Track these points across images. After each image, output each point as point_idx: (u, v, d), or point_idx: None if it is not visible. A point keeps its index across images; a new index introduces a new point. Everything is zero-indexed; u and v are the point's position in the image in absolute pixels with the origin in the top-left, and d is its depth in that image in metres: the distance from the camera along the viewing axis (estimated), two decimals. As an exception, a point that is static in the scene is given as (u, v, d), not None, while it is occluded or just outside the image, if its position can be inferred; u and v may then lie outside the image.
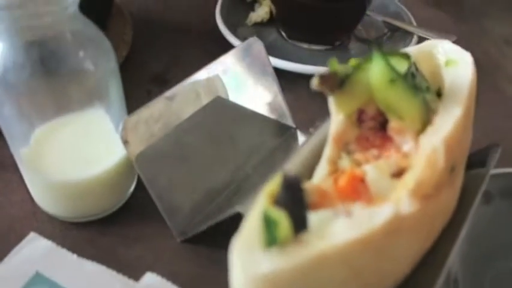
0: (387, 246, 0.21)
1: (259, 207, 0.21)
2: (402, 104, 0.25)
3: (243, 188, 0.37)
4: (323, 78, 0.25)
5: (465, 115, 0.25)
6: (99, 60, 0.28)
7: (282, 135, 0.42)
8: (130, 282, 0.29)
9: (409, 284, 0.24)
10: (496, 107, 0.49)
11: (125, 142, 0.30)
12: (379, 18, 0.53)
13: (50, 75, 0.27)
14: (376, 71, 0.25)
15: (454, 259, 0.25)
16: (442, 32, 0.50)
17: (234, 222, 0.28)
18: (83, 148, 0.31)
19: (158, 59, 0.52)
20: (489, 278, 0.32)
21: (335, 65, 0.25)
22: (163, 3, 0.60)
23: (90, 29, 0.28)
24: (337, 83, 0.26)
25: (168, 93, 0.33)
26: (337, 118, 0.27)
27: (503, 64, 0.59)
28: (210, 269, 0.32)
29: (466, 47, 0.65)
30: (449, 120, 0.24)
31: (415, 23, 0.53)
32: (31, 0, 0.24)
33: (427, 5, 0.66)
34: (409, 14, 0.55)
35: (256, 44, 0.39)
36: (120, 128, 0.29)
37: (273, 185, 0.22)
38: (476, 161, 0.31)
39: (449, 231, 0.26)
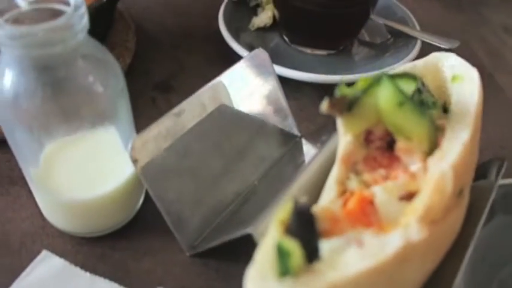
0: (397, 273, 0.22)
1: (271, 236, 0.21)
2: (410, 126, 0.26)
3: (250, 199, 0.38)
4: (332, 102, 0.25)
5: (472, 137, 0.25)
6: (108, 81, 0.28)
7: (287, 144, 0.42)
8: (142, 298, 0.30)
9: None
10: (498, 108, 0.49)
11: (134, 161, 0.30)
12: (382, 21, 0.53)
13: (60, 98, 0.27)
14: (384, 95, 0.25)
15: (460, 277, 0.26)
16: (446, 36, 0.50)
17: (243, 237, 0.29)
18: (93, 167, 0.32)
19: (162, 65, 0.52)
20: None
21: (344, 89, 0.26)
22: (165, 9, 0.60)
23: (99, 51, 0.28)
24: (346, 106, 0.26)
25: (176, 109, 0.33)
26: (345, 139, 0.27)
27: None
28: (219, 283, 0.33)
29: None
30: (457, 144, 0.24)
31: (418, 27, 0.53)
32: (41, 28, 0.24)
33: (431, 5, 0.65)
34: (413, 17, 0.55)
35: (262, 55, 0.39)
36: (129, 147, 0.30)
37: (284, 212, 0.22)
38: (480, 173, 0.32)
39: (456, 249, 0.27)
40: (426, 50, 0.50)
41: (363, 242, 0.21)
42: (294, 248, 0.20)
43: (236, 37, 0.51)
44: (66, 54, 0.25)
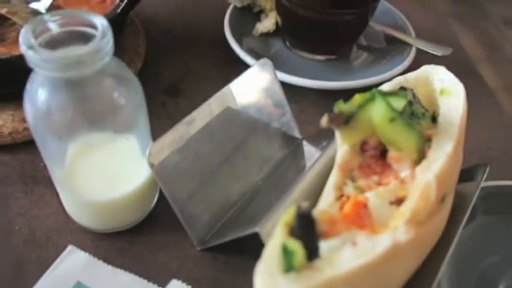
0: (386, 270, 0.25)
1: (277, 237, 0.25)
2: (401, 139, 0.29)
3: (254, 198, 0.41)
4: (331, 117, 0.28)
5: (455, 148, 0.29)
6: (129, 96, 0.31)
7: (289, 146, 0.46)
8: (159, 289, 0.33)
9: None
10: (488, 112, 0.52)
11: (151, 165, 0.33)
12: (380, 28, 0.56)
13: (87, 111, 0.30)
14: (377, 111, 0.29)
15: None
16: (440, 44, 0.53)
17: (249, 234, 0.32)
18: (113, 170, 0.35)
19: (170, 69, 0.55)
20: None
21: (341, 106, 0.29)
22: (173, 15, 0.63)
23: (122, 69, 0.31)
24: (343, 120, 0.29)
25: (187, 118, 0.36)
26: (342, 148, 0.31)
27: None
28: (228, 275, 0.36)
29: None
30: (441, 156, 0.28)
31: (413, 34, 0.56)
32: (73, 53, 0.27)
33: (426, 13, 0.68)
34: (409, 24, 0.58)
35: (267, 65, 0.42)
36: (147, 153, 0.33)
37: (288, 215, 0.25)
38: (466, 176, 0.35)
39: (439, 247, 0.30)
40: (421, 55, 0.53)
41: (357, 242, 0.24)
42: (297, 248, 0.23)
43: (240, 42, 0.54)
44: (94, 74, 0.28)
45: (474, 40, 0.64)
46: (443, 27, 0.66)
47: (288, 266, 0.23)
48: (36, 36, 0.28)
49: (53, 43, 0.29)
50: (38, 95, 0.29)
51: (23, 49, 0.27)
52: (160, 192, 0.39)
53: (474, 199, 0.32)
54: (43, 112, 0.29)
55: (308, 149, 0.47)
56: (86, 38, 0.29)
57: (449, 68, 0.34)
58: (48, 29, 0.29)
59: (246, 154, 0.42)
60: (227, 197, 0.40)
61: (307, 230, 0.24)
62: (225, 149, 0.40)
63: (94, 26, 0.29)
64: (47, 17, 0.29)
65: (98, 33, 0.28)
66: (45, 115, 0.29)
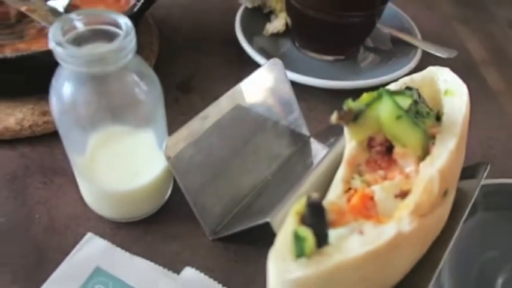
0: (390, 257, 0.27)
1: (289, 225, 0.26)
2: (406, 136, 0.31)
3: (264, 192, 0.43)
4: (340, 114, 0.30)
5: (458, 146, 0.30)
6: (148, 91, 0.33)
7: (297, 143, 0.47)
8: (174, 275, 0.35)
9: (406, 285, 0.29)
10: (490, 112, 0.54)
11: (168, 158, 0.35)
12: (386, 30, 0.58)
13: (110, 104, 0.32)
14: (385, 109, 0.30)
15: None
16: (445, 46, 0.55)
17: (258, 225, 0.34)
18: (131, 162, 0.37)
19: (183, 66, 0.56)
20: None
21: (350, 104, 0.30)
22: (184, 14, 0.64)
23: (142, 66, 0.33)
24: (352, 117, 0.31)
25: (201, 114, 0.38)
26: (350, 144, 0.32)
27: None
28: (238, 264, 0.38)
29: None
30: (444, 152, 0.29)
31: (419, 36, 0.58)
32: (98, 51, 0.29)
33: (432, 16, 0.70)
34: (415, 26, 0.59)
35: (277, 64, 0.44)
36: (164, 146, 0.35)
37: (299, 205, 0.27)
38: (468, 174, 0.37)
39: (441, 240, 0.32)
40: (427, 57, 0.54)
41: (364, 231, 0.26)
42: (308, 235, 0.25)
43: (251, 42, 0.56)
44: (117, 70, 0.30)
45: (479, 43, 0.65)
46: (449, 29, 0.68)
47: (299, 251, 0.25)
48: (64, 34, 0.30)
49: (79, 40, 0.30)
50: (64, 88, 0.31)
51: (52, 45, 0.29)
52: (174, 185, 0.41)
53: (475, 195, 0.34)
54: (69, 105, 0.31)
55: (315, 146, 0.48)
56: (109, 36, 0.30)
57: (454, 70, 0.36)
58: (75, 27, 0.30)
59: (255, 150, 0.44)
60: (238, 190, 0.42)
61: (317, 219, 0.26)
62: (236, 145, 0.42)
63: (118, 25, 0.30)
64: (73, 16, 0.30)
65: (121, 32, 0.30)
66: (70, 108, 0.31)
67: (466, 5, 0.73)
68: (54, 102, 0.31)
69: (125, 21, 0.30)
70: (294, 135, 0.47)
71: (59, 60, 0.29)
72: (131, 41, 0.30)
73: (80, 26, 0.30)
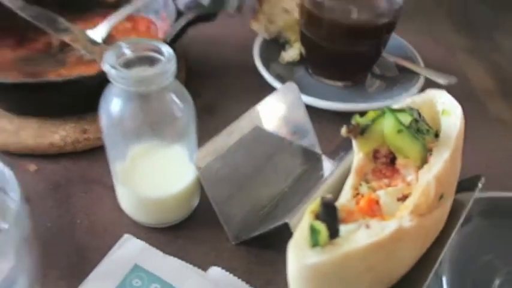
0: (393, 249, 0.31)
1: (305, 220, 0.31)
2: (407, 148, 0.35)
3: (280, 203, 0.47)
4: (349, 128, 0.35)
5: (452, 157, 0.35)
6: (184, 109, 0.38)
7: (310, 160, 0.52)
8: (202, 272, 0.39)
9: (407, 278, 0.34)
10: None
11: (198, 169, 0.40)
12: (392, 59, 0.63)
13: (152, 120, 0.37)
14: (387, 124, 0.35)
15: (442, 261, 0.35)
16: (446, 73, 0.60)
17: (277, 231, 0.38)
18: (165, 172, 0.42)
19: (207, 90, 0.62)
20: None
21: (358, 119, 0.35)
22: (207, 43, 0.70)
23: (179, 87, 0.38)
24: (359, 131, 0.36)
25: (226, 131, 0.43)
26: (358, 155, 0.37)
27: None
28: (259, 265, 0.42)
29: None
30: (439, 161, 0.34)
31: (422, 64, 0.63)
32: (145, 73, 0.34)
33: (436, 46, 0.75)
34: (418, 55, 0.65)
35: (292, 87, 0.49)
36: (194, 158, 0.40)
37: (315, 205, 0.32)
38: (465, 186, 0.41)
39: (439, 241, 0.36)
40: (429, 84, 0.59)
41: (370, 225, 0.30)
42: (322, 228, 0.30)
43: (268, 69, 0.61)
44: (159, 90, 0.35)
45: (484, 72, 0.70)
46: (452, 58, 0.73)
47: (315, 242, 0.29)
48: (116, 59, 0.35)
49: (128, 64, 0.36)
50: (113, 105, 0.36)
51: (106, 68, 0.34)
52: (201, 195, 0.46)
53: (470, 204, 0.38)
54: (116, 119, 0.36)
55: (327, 162, 0.53)
56: (152, 61, 0.36)
57: (455, 96, 0.40)
58: (124, 53, 0.36)
59: (274, 166, 0.48)
60: (258, 200, 0.46)
61: (330, 215, 0.31)
62: (257, 161, 0.47)
63: (160, 52, 0.36)
64: (123, 44, 0.36)
65: (164, 58, 0.35)
66: (117, 121, 0.36)
67: (471, 34, 0.77)
68: (104, 117, 0.37)
69: (167, 49, 0.35)
70: (307, 153, 0.52)
71: (112, 80, 0.35)
72: (172, 66, 0.35)
73: (128, 52, 0.36)
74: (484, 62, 0.71)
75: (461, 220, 0.37)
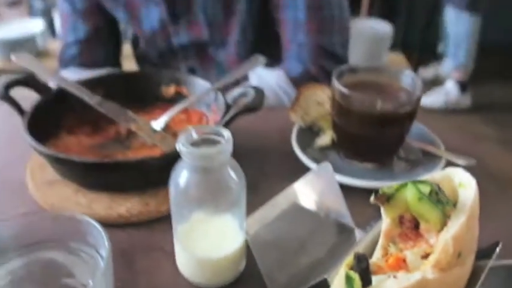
0: (418, 298, 0.36)
1: (342, 271, 0.37)
2: (427, 214, 0.41)
3: (317, 268, 0.53)
4: (377, 196, 0.42)
5: (468, 221, 0.40)
6: (238, 181, 0.46)
7: (343, 233, 0.58)
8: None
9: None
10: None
11: (248, 235, 0.47)
12: (416, 144, 0.71)
13: (212, 189, 0.45)
14: (410, 193, 0.42)
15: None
16: (465, 155, 0.66)
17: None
18: (218, 235, 0.49)
19: (251, 171, 0.69)
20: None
21: (384, 189, 0.42)
22: (249, 133, 0.80)
23: (234, 162, 0.46)
24: (386, 199, 0.42)
25: (270, 203, 0.50)
26: (386, 221, 0.43)
27: None
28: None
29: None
30: (456, 224, 0.40)
31: (443, 147, 0.70)
32: (209, 152, 0.42)
33: (455, 131, 0.82)
34: (439, 140, 0.72)
35: (327, 167, 0.57)
36: (245, 225, 0.47)
37: (349, 259, 0.38)
38: (485, 254, 0.46)
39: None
40: (450, 165, 0.66)
41: (397, 276, 0.36)
42: (356, 276, 0.35)
43: (304, 152, 0.69)
44: (219, 165, 0.44)
45: (505, 158, 0.75)
46: (477, 147, 0.79)
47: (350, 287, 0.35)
48: (186, 140, 0.44)
49: (194, 144, 0.44)
50: (181, 176, 0.44)
51: (179, 147, 0.43)
52: (248, 259, 0.52)
53: (489, 265, 0.43)
54: (183, 189, 0.44)
55: (359, 235, 0.58)
56: (212, 142, 0.45)
57: (475, 177, 0.45)
58: (192, 136, 0.45)
59: (311, 236, 0.55)
60: (298, 266, 0.52)
61: (363, 267, 0.36)
62: (296, 231, 0.53)
63: (220, 134, 0.45)
64: (191, 129, 0.45)
65: (223, 140, 0.44)
66: (184, 191, 0.44)
67: (500, 126, 0.83)
68: (173, 186, 0.45)
69: (226, 133, 0.44)
70: (341, 227, 0.58)
71: (182, 156, 0.43)
72: (230, 146, 0.43)
73: (195, 135, 0.45)
74: (504, 151, 0.77)
75: (481, 280, 0.42)
